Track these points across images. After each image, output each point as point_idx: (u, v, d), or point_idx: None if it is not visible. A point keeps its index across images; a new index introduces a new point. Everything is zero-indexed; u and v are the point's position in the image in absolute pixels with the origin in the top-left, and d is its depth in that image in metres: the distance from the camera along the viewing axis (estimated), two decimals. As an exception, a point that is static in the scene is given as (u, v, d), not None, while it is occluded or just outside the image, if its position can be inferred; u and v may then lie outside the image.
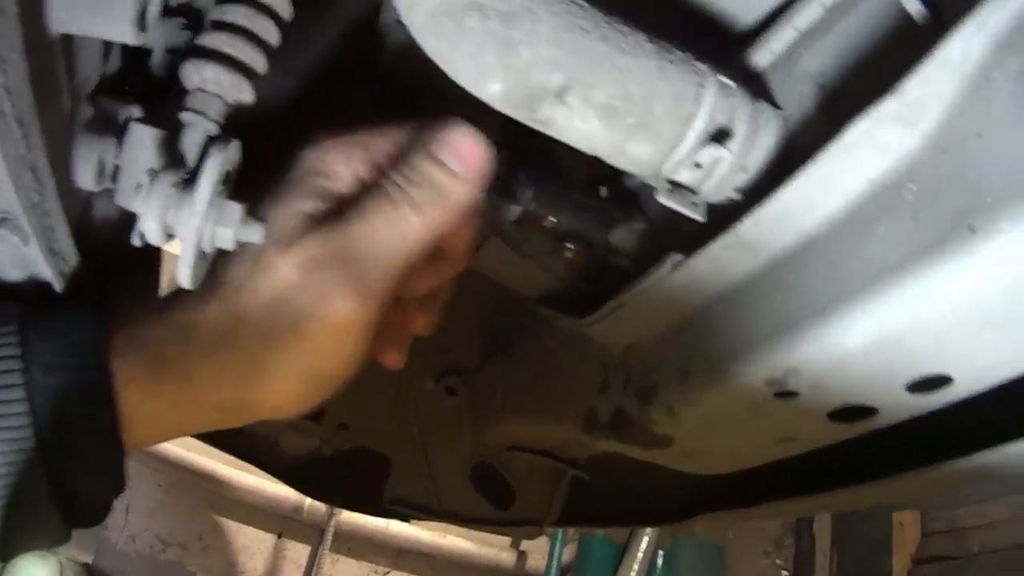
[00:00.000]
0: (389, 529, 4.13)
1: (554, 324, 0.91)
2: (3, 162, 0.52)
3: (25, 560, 3.14)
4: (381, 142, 0.64)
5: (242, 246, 0.58)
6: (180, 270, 0.57)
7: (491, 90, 0.56)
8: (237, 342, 0.60)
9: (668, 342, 0.77)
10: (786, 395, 0.66)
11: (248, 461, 1.38)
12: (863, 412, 0.68)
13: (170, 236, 0.57)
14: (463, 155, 0.61)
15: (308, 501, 3.97)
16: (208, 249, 0.57)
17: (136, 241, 0.58)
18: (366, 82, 0.82)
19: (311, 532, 4.11)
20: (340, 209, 0.62)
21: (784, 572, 4.36)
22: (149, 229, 0.56)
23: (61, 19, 0.49)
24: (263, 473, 1.39)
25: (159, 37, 0.63)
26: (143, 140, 0.59)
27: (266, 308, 0.60)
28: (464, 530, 4.18)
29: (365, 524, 4.08)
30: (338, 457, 1.38)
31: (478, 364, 1.37)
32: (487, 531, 1.48)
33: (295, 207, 0.61)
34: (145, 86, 0.63)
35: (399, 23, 0.75)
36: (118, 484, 0.62)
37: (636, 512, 1.42)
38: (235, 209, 0.57)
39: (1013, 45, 0.50)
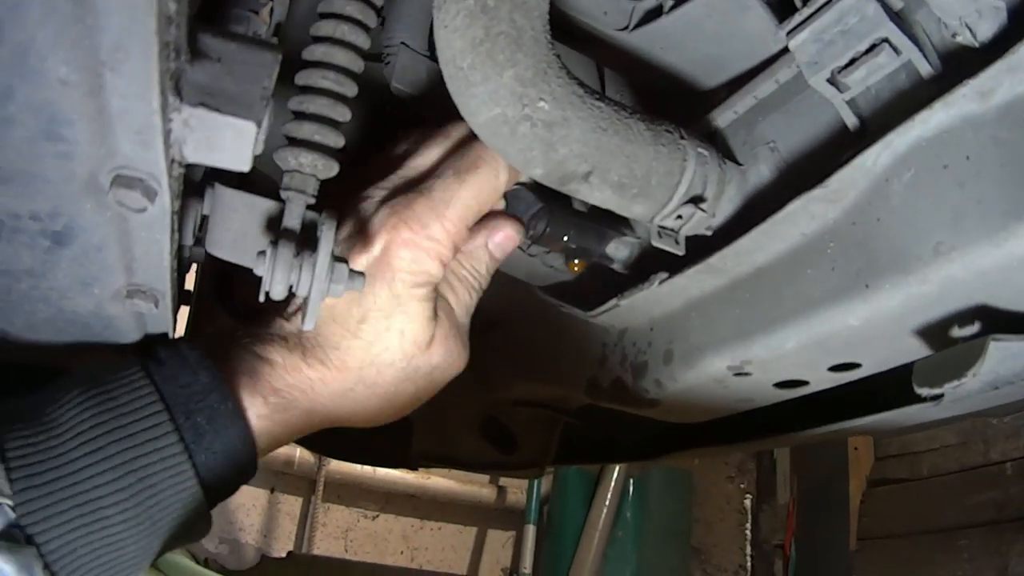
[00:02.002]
0: (376, 475, 4.21)
1: (558, 309, 1.12)
2: (168, 258, 0.67)
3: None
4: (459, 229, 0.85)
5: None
6: (306, 321, 0.71)
7: (535, 172, 0.77)
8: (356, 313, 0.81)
9: (655, 331, 1.00)
10: (742, 375, 0.90)
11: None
12: (798, 383, 0.92)
13: (290, 291, 0.70)
14: (506, 247, 0.91)
15: (298, 454, 4.02)
16: (324, 299, 0.70)
17: (262, 298, 0.70)
18: (380, 104, 0.95)
19: (302, 484, 4.18)
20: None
21: (748, 495, 4.53)
22: (277, 291, 0.69)
23: (192, 154, 0.57)
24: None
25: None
26: (244, 206, 0.74)
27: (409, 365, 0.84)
28: (446, 470, 4.30)
29: (353, 472, 4.17)
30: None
31: (478, 333, 1.48)
32: (497, 474, 1.56)
33: (426, 315, 0.83)
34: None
35: (404, 45, 0.93)
36: (248, 475, 0.78)
37: (619, 450, 1.63)
38: (343, 269, 0.70)
39: (908, 161, 0.72)
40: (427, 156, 0.86)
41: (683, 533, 4.39)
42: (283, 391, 0.78)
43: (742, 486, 4.61)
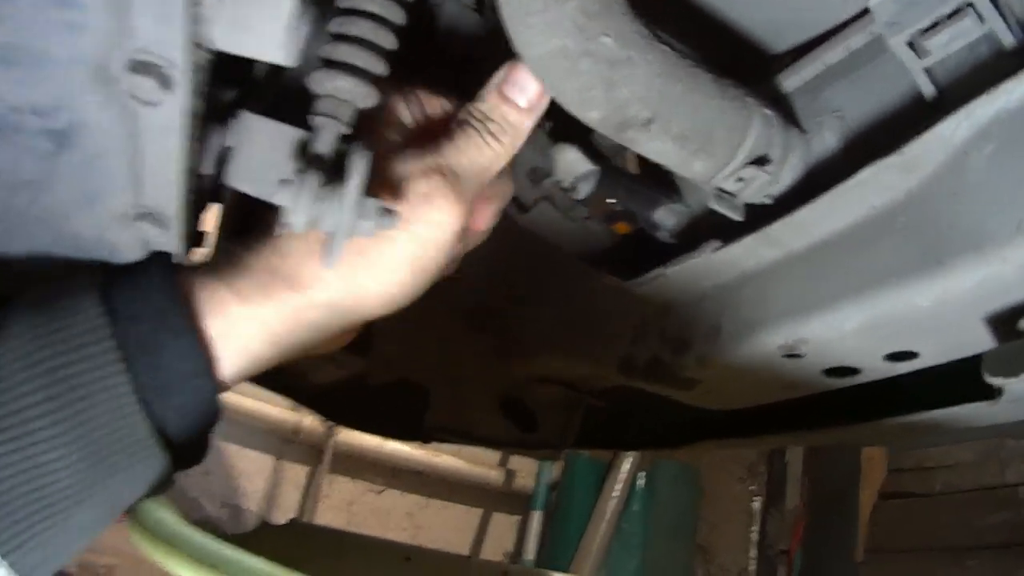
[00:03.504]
0: (384, 448, 4.14)
1: (595, 278, 1.07)
2: (179, 172, 0.60)
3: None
4: (429, 97, 0.78)
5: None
6: (329, 259, 0.64)
7: (591, 116, 0.71)
8: (356, 250, 0.68)
9: (702, 304, 0.94)
10: (794, 356, 0.85)
11: (278, 391, 1.37)
12: (850, 371, 0.87)
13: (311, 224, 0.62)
14: (526, 90, 0.76)
15: (306, 423, 3.95)
16: (350, 237, 0.63)
17: (279, 231, 0.65)
18: (419, 50, 0.89)
19: (309, 453, 4.10)
20: (412, 140, 0.75)
21: (757, 497, 4.47)
22: (299, 223, 0.62)
23: (222, 39, 0.53)
24: (263, 396, 1.38)
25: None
26: (270, 134, 0.67)
27: None
28: (456, 450, 4.30)
29: (361, 444, 4.10)
30: (378, 390, 1.42)
31: (504, 308, 1.44)
32: (515, 453, 1.55)
33: (385, 136, 0.74)
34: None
35: None
36: (211, 415, 0.67)
37: (642, 437, 1.55)
38: (373, 205, 0.63)
39: (989, 134, 0.67)
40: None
41: (689, 530, 4.37)
42: (254, 300, 0.68)
43: (751, 488, 4.56)
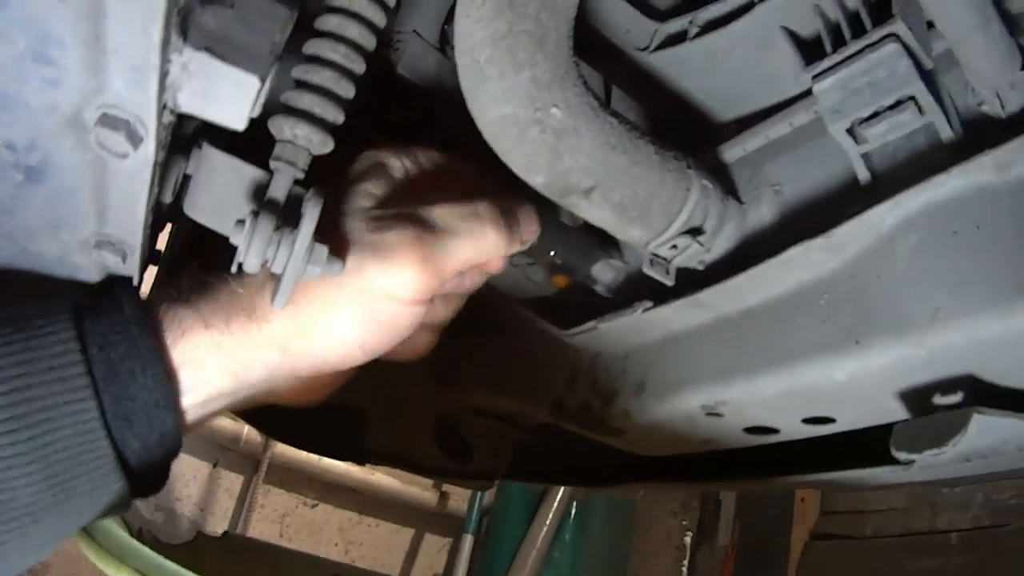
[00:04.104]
0: (320, 463, 4.14)
1: (533, 323, 1.09)
2: (143, 212, 0.63)
3: None
4: (421, 151, 0.80)
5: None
6: (277, 300, 0.66)
7: (536, 180, 0.75)
8: (307, 293, 0.70)
9: (630, 359, 0.97)
10: (714, 415, 0.88)
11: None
12: (769, 431, 0.90)
13: (263, 265, 0.65)
14: (531, 230, 0.82)
15: (245, 432, 3.94)
16: (298, 280, 0.65)
17: (234, 269, 0.67)
18: (382, 87, 0.92)
19: (246, 463, 4.10)
20: (397, 194, 0.76)
21: (689, 533, 4.46)
22: (251, 264, 0.64)
23: (187, 104, 0.55)
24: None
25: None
26: (230, 170, 0.69)
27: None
28: (390, 469, 4.29)
29: (298, 458, 4.09)
30: (317, 409, 1.39)
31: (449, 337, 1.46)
32: (447, 482, 1.53)
33: (368, 190, 0.74)
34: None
35: (416, 34, 0.89)
36: (173, 446, 0.68)
37: (570, 474, 1.59)
38: (323, 251, 0.66)
39: (916, 224, 0.71)
40: (431, 189, 0.79)
41: (620, 562, 4.36)
42: (220, 330, 0.70)
43: (684, 523, 4.55)
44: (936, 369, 0.72)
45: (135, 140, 0.54)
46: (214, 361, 0.69)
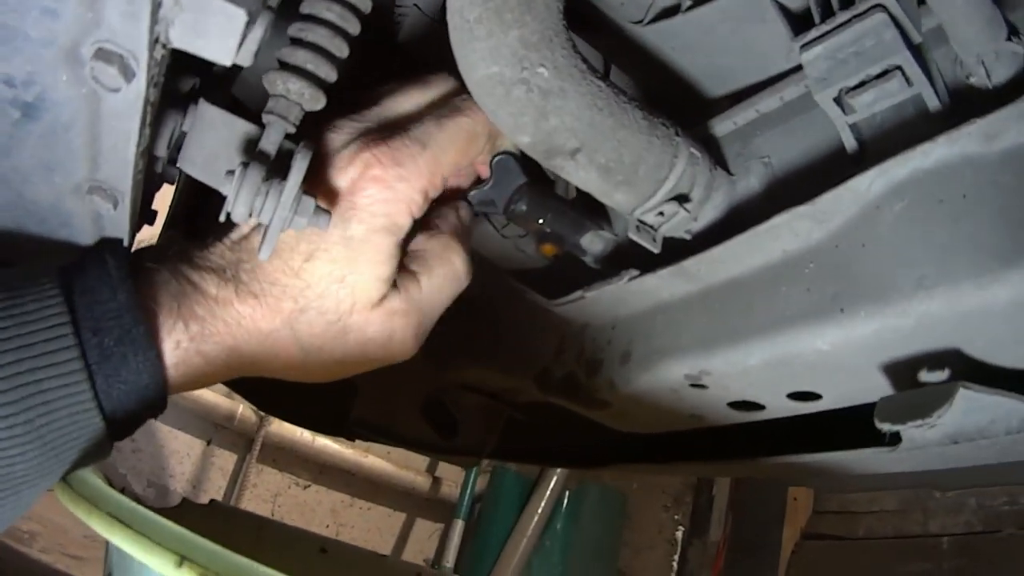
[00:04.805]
0: (314, 444, 4.15)
1: (522, 295, 1.09)
2: (133, 153, 0.64)
3: None
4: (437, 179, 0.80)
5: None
6: (263, 249, 0.68)
7: (522, 140, 0.75)
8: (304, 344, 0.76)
9: (616, 329, 0.97)
10: (698, 386, 0.88)
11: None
12: (754, 406, 0.90)
13: (250, 216, 0.67)
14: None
15: (240, 411, 3.95)
16: (284, 230, 0.67)
17: (222, 218, 0.68)
18: (384, 58, 0.93)
19: (239, 441, 4.10)
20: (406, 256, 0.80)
21: (680, 527, 4.48)
22: (239, 213, 0.66)
23: (179, 39, 0.56)
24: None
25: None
26: (224, 125, 0.71)
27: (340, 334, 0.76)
28: (384, 452, 4.29)
29: (292, 437, 4.10)
30: (312, 384, 1.43)
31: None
32: (432, 456, 1.54)
33: (378, 273, 0.76)
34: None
35: (416, 7, 0.90)
36: (158, 411, 0.71)
37: (557, 454, 1.60)
38: (310, 202, 0.67)
39: (902, 192, 0.71)
40: (407, 100, 0.81)
41: (611, 554, 4.37)
42: (207, 320, 0.72)
43: (676, 517, 4.57)
44: (922, 341, 0.72)
45: (128, 74, 0.56)
46: (208, 344, 0.72)
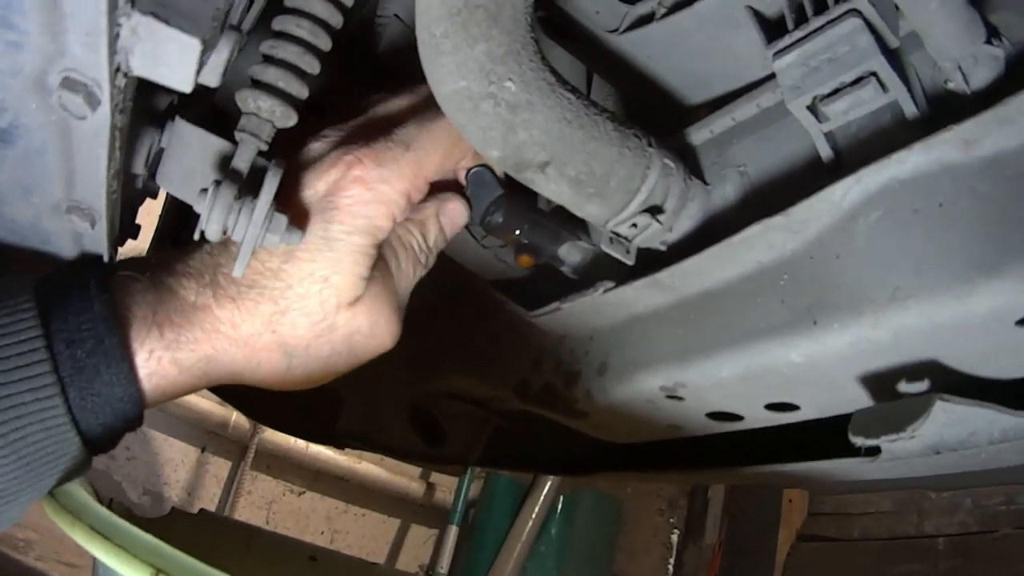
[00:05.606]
0: (308, 451, 4.13)
1: (502, 305, 1.09)
2: (105, 175, 0.64)
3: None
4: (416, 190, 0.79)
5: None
6: (236, 267, 0.68)
7: (491, 154, 0.73)
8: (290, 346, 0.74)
9: (594, 340, 0.96)
10: (675, 398, 0.87)
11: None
12: (733, 417, 0.89)
13: (224, 233, 0.67)
14: (455, 224, 0.85)
15: (234, 418, 3.94)
16: (257, 248, 0.68)
17: (196, 236, 0.68)
18: (365, 70, 0.93)
19: (234, 448, 4.08)
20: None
21: (676, 531, 4.46)
22: (212, 231, 0.66)
23: (139, 67, 0.56)
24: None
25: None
26: (198, 142, 0.72)
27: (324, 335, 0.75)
28: (378, 458, 4.28)
29: (286, 445, 4.09)
30: (298, 393, 1.43)
31: (420, 321, 1.45)
32: (419, 465, 1.54)
33: (359, 272, 0.75)
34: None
35: (396, 17, 0.90)
36: (135, 424, 0.71)
37: (546, 462, 1.59)
38: (282, 220, 0.67)
39: (878, 201, 0.70)
40: (390, 106, 0.81)
41: (606, 558, 4.35)
42: (183, 327, 0.70)
43: (671, 521, 4.55)
44: (898, 353, 0.71)
45: (93, 102, 0.56)
46: (183, 352, 0.71)
